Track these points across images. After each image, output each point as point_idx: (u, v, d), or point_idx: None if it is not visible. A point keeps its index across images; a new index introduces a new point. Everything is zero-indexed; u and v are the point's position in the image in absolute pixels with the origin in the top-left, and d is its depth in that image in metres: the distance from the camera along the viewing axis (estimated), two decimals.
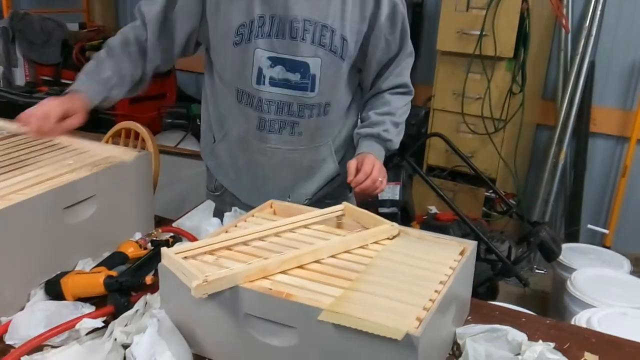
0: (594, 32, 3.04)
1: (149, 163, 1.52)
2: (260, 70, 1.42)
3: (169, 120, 3.62)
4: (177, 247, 1.06)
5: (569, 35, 3.09)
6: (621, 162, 3.12)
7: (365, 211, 1.25)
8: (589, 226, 3.11)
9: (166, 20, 1.44)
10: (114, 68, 1.41)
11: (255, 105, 1.46)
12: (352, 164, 1.42)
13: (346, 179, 1.44)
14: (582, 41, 3.05)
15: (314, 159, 1.56)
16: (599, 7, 3.01)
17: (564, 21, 3.01)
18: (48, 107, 1.28)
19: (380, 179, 1.42)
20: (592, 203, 3.27)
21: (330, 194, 1.63)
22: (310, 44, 1.40)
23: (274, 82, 1.43)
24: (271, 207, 1.32)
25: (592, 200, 3.27)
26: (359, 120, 1.60)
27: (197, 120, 3.55)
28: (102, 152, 1.45)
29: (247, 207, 1.39)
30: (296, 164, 1.55)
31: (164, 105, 3.88)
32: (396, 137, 1.54)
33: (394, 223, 1.18)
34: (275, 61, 1.41)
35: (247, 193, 1.60)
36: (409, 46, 1.53)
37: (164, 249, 1.02)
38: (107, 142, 2.16)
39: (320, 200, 1.61)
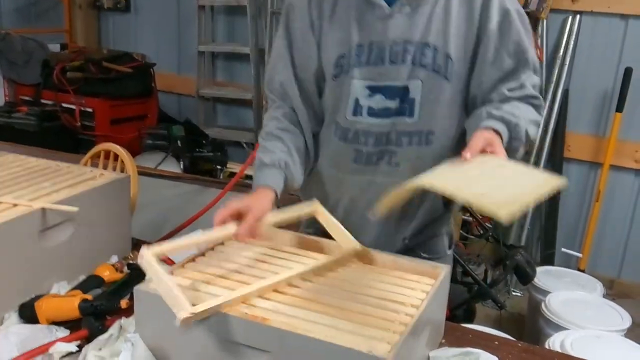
0: (567, 62, 3.13)
1: (127, 186, 1.53)
2: (357, 101, 1.34)
3: (150, 142, 3.63)
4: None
5: (544, 65, 3.16)
6: (595, 187, 3.19)
7: (336, 222, 1.26)
8: (564, 250, 3.16)
9: (298, 81, 1.40)
10: (281, 149, 1.35)
11: (352, 139, 1.37)
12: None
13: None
14: (556, 70, 3.14)
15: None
16: (572, 37, 3.09)
17: (538, 51, 3.09)
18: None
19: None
20: (567, 227, 3.32)
21: (428, 246, 1.47)
22: (410, 64, 1.31)
23: (372, 112, 1.34)
24: None
25: (567, 224, 3.32)
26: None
27: (178, 141, 3.56)
28: (80, 174, 1.45)
29: None
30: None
31: (145, 126, 3.88)
32: (526, 124, 1.25)
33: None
34: (374, 90, 1.34)
35: None
36: (530, 59, 1.32)
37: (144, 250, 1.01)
38: (86, 163, 2.16)
39: (418, 246, 1.45)
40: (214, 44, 4.28)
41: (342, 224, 1.29)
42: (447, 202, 1.45)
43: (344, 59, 1.34)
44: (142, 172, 2.65)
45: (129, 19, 4.66)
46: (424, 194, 1.37)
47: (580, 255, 3.12)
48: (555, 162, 3.24)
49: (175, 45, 4.50)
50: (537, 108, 1.31)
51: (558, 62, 3.12)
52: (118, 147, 2.14)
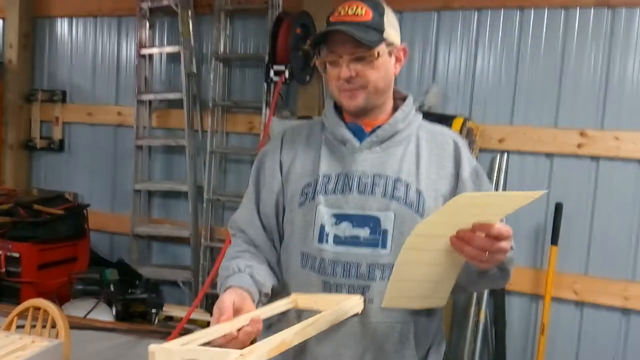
0: None
1: (60, 354, 1.39)
2: (322, 227, 1.33)
3: (80, 287, 3.41)
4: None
5: None
6: (538, 319, 3.20)
7: (322, 295, 1.26)
8: None
9: (260, 215, 1.43)
10: (240, 262, 1.35)
11: (318, 268, 1.33)
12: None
13: None
14: None
15: (388, 339, 1.33)
16: (502, 175, 3.23)
17: None
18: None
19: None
20: None
21: None
22: (381, 197, 1.31)
23: (338, 240, 1.32)
24: None
25: (514, 358, 3.28)
26: None
27: (111, 286, 3.37)
28: (8, 343, 1.31)
29: None
30: (365, 344, 1.33)
31: (75, 269, 3.67)
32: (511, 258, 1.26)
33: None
34: (340, 218, 1.32)
35: None
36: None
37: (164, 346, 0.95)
38: (11, 321, 1.98)
39: None
40: (151, 182, 4.22)
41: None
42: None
43: (310, 187, 1.37)
44: (71, 325, 2.47)
45: (62, 159, 4.58)
46: (392, 345, 1.35)
47: None
48: (497, 296, 3.26)
49: (109, 183, 4.42)
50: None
51: None
52: (49, 304, 1.98)
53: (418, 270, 1.10)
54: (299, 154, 1.44)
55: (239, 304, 1.19)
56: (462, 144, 1.43)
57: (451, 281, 1.20)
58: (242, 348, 1.09)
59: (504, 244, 1.12)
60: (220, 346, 1.09)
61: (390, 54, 1.36)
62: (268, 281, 1.34)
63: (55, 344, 1.35)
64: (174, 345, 0.98)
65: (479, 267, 1.17)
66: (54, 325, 1.91)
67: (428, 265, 1.09)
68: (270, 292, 1.34)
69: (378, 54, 1.32)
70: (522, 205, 1.09)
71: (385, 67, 1.36)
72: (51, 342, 1.35)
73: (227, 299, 1.17)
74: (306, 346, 1.35)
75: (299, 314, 1.35)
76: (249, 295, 1.25)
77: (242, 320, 1.13)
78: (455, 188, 1.37)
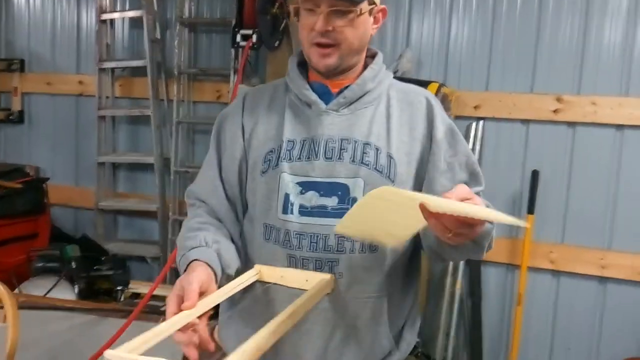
0: None
1: (2, 338, 1.27)
2: (287, 197, 1.22)
3: (40, 265, 3.25)
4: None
5: None
6: (514, 290, 3.15)
7: (287, 269, 1.18)
8: None
9: (223, 183, 1.34)
10: (206, 235, 1.25)
11: (283, 241, 1.22)
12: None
13: None
14: None
15: (359, 316, 1.25)
16: (478, 142, 3.14)
17: None
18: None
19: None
20: (491, 331, 3.24)
21: None
22: (349, 162, 1.22)
23: (304, 211, 1.21)
24: None
25: (490, 329, 3.24)
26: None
27: (72, 263, 3.22)
28: None
29: None
30: (335, 320, 1.25)
31: (35, 247, 3.51)
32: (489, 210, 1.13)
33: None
34: (306, 186, 1.22)
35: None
36: (481, 175, 1.30)
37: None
38: None
39: None
40: (115, 155, 4.05)
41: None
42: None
43: (273, 154, 1.26)
44: (28, 305, 2.34)
45: (22, 131, 4.37)
46: (363, 324, 1.26)
47: None
48: (473, 266, 3.19)
49: (72, 156, 4.23)
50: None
51: None
52: None
53: (378, 213, 0.99)
54: (262, 118, 1.33)
55: (205, 287, 1.07)
56: (436, 102, 1.34)
57: (412, 231, 1.08)
58: (202, 341, 0.99)
59: (465, 231, 1.00)
60: (180, 342, 0.99)
61: (370, 12, 1.26)
62: (233, 263, 1.25)
63: None
64: (130, 353, 0.85)
65: (446, 241, 1.05)
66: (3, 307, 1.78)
67: (389, 213, 0.98)
68: (233, 274, 1.23)
69: (360, 10, 1.21)
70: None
71: (364, 27, 1.26)
72: None
73: (194, 280, 1.05)
74: None
75: (265, 289, 1.25)
76: (214, 276, 1.14)
77: (204, 305, 1.02)
78: (429, 150, 1.28)
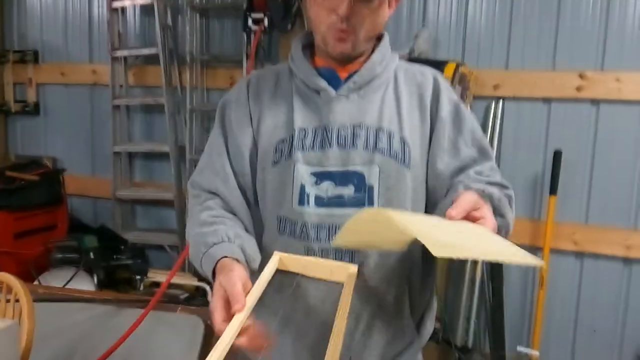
0: (495, 147, 3.08)
1: (14, 338, 1.25)
2: (302, 188, 1.18)
3: (59, 256, 3.26)
4: None
5: None
6: (537, 273, 3.09)
7: (311, 258, 1.13)
8: (519, 349, 2.99)
9: (235, 174, 1.29)
10: (225, 229, 1.20)
11: (300, 233, 1.19)
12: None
13: None
14: None
15: (382, 305, 1.22)
16: (497, 123, 3.07)
17: None
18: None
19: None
20: (513, 316, 3.18)
21: None
22: (363, 150, 1.18)
23: (321, 202, 1.17)
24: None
25: (512, 312, 3.18)
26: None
27: (90, 254, 3.23)
28: None
29: None
30: (358, 310, 1.21)
31: (54, 238, 3.52)
32: (504, 204, 1.12)
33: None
34: (321, 176, 1.18)
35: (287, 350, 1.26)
36: (489, 149, 1.25)
37: None
38: None
39: None
40: (131, 144, 4.04)
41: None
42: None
43: (285, 143, 1.21)
44: (45, 298, 2.34)
45: (38, 122, 4.37)
46: (386, 313, 1.21)
47: (536, 353, 2.95)
48: None
49: (88, 146, 4.23)
50: (510, 199, 1.17)
51: None
52: (11, 277, 1.83)
53: (372, 228, 0.95)
54: (268, 105, 1.28)
55: (247, 285, 1.02)
56: (443, 80, 1.29)
57: (407, 241, 1.04)
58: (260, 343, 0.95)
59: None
60: (245, 348, 0.96)
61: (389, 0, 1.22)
62: (257, 257, 1.20)
63: (9, 325, 1.20)
64: None
65: None
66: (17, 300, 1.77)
67: (383, 229, 0.94)
68: (257, 268, 1.19)
69: None
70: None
71: (383, 14, 1.22)
72: (4, 322, 1.20)
73: (237, 281, 1.00)
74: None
75: (295, 288, 1.21)
76: (238, 263, 1.10)
77: (248, 304, 0.98)
78: (434, 127, 1.24)
